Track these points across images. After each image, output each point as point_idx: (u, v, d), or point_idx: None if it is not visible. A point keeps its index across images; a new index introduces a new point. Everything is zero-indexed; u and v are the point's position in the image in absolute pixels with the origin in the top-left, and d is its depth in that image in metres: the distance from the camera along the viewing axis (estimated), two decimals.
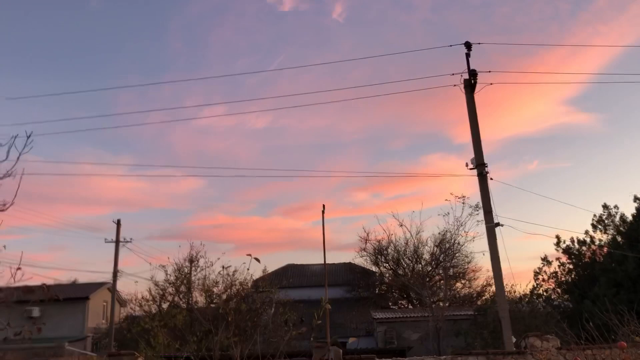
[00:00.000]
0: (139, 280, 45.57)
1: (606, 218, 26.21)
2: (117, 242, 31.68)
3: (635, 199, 24.69)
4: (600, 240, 26.10)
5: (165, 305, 22.70)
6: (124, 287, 56.27)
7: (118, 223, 32.13)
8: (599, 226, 26.26)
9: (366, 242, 35.71)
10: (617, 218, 25.90)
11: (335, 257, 70.26)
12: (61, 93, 67.92)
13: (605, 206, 26.38)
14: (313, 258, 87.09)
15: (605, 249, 25.12)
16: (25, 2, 66.63)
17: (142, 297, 23.37)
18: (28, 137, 4.71)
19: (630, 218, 24.99)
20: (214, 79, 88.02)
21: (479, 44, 15.10)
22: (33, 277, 4.83)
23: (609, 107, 67.47)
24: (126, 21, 70.53)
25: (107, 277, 32.50)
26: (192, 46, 75.18)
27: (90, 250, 76.88)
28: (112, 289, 32.27)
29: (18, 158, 4.64)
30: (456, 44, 15.14)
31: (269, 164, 79.48)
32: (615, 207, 26.20)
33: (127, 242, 32.01)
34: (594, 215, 26.46)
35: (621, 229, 25.29)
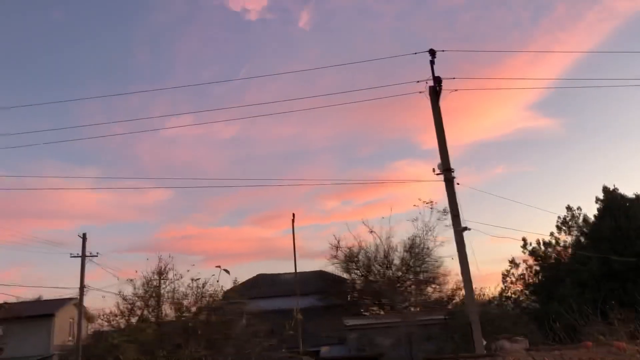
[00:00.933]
0: (107, 295, 44.50)
1: (570, 220, 26.81)
2: (83, 256, 30.98)
3: (597, 200, 25.33)
4: (564, 241, 26.69)
5: (134, 320, 22.25)
6: (92, 302, 55.13)
7: (84, 237, 31.45)
8: (564, 228, 26.85)
9: (337, 250, 35.75)
10: (581, 219, 26.53)
11: (307, 265, 70.03)
12: (24, 105, 66.31)
13: (568, 208, 26.98)
14: (284, 267, 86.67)
15: (569, 250, 25.69)
16: None
17: (110, 312, 22.87)
18: None
19: (593, 219, 25.59)
20: (181, 89, 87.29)
21: (443, 51, 15.30)
22: None
23: (570, 111, 69.34)
24: (90, 31, 69.41)
25: (74, 292, 31.72)
26: (158, 56, 74.42)
27: (55, 265, 75.26)
28: (79, 304, 31.49)
29: None
30: (421, 52, 15.31)
31: (238, 174, 78.97)
32: (579, 208, 26.83)
33: (94, 256, 31.35)
34: (558, 217, 27.04)
35: (585, 230, 25.90)
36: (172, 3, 68.53)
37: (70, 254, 31.30)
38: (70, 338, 34.81)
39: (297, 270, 25.25)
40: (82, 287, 30.58)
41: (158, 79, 70.90)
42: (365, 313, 36.82)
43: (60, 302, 34.52)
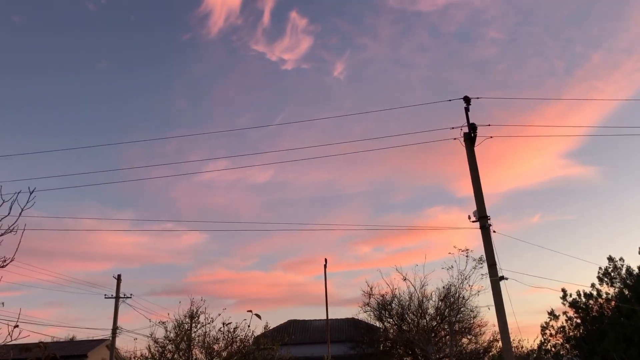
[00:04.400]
0: (139, 337, 44.79)
1: (612, 271, 25.89)
2: (117, 298, 31.24)
3: None
4: (607, 293, 25.72)
5: None
6: (123, 344, 55.02)
7: (118, 278, 31.80)
8: (605, 279, 25.91)
9: (370, 297, 35.16)
10: (624, 271, 25.59)
11: (338, 312, 69.01)
12: (67, 148, 68.58)
13: (610, 259, 26.10)
14: (315, 313, 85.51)
15: (612, 303, 24.72)
16: (35, 60, 68.39)
17: (141, 355, 22.85)
18: (31, 192, 4.74)
19: (636, 271, 24.69)
20: (218, 134, 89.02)
21: (478, 98, 15.32)
22: (30, 335, 4.75)
23: (607, 159, 68.03)
24: (133, 80, 72.16)
25: (106, 334, 31.89)
26: (197, 103, 76.59)
27: (89, 306, 75.94)
28: (111, 346, 31.58)
29: (20, 214, 4.65)
30: (455, 99, 15.38)
31: (271, 218, 79.45)
32: (621, 259, 25.94)
33: (127, 297, 31.59)
34: (600, 268, 26.16)
35: (628, 282, 24.96)
36: (212, 54, 71.00)
37: (105, 295, 31.66)
38: None
39: (329, 317, 24.94)
40: (114, 328, 30.73)
41: (196, 125, 72.79)
42: None
43: (93, 343, 34.74)
